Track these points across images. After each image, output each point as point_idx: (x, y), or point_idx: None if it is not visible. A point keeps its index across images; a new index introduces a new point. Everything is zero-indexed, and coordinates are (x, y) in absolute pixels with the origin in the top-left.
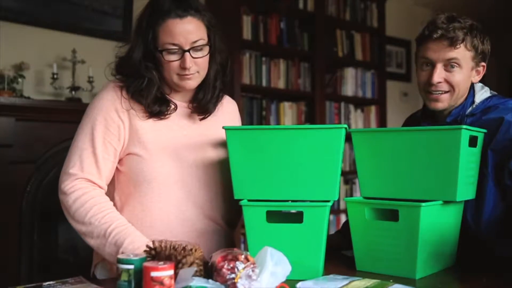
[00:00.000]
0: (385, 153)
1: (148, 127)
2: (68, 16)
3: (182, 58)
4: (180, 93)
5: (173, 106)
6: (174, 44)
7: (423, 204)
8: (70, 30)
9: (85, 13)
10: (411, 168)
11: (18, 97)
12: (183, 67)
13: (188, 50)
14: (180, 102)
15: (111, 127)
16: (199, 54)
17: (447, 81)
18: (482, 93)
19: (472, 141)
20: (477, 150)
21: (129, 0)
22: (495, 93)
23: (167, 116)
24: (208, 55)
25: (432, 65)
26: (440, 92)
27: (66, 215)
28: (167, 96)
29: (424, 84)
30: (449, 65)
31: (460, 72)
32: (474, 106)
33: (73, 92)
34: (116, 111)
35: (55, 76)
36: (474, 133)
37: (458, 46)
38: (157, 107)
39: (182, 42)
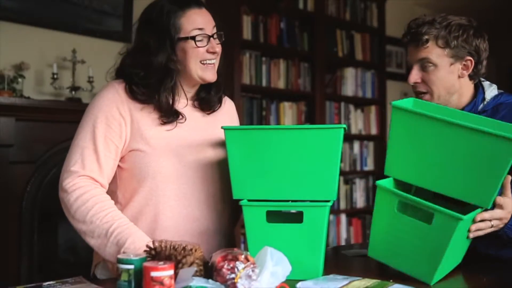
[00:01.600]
0: (431, 143)
1: (150, 123)
2: (68, 16)
3: (209, 43)
4: (185, 90)
5: (182, 118)
6: (200, 29)
7: (464, 217)
8: (70, 30)
9: (85, 13)
10: (455, 165)
11: (18, 97)
12: (212, 51)
13: (212, 35)
14: (183, 100)
15: (113, 124)
16: (218, 41)
17: (424, 81)
18: (492, 90)
19: None
20: None
21: (129, 0)
22: (502, 90)
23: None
24: None
25: (411, 67)
26: (421, 94)
27: (66, 214)
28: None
29: (411, 86)
30: (423, 65)
31: (435, 71)
32: (485, 102)
33: (73, 92)
34: (118, 109)
35: (55, 76)
36: None
37: (426, 46)
38: (168, 119)
39: (206, 28)
